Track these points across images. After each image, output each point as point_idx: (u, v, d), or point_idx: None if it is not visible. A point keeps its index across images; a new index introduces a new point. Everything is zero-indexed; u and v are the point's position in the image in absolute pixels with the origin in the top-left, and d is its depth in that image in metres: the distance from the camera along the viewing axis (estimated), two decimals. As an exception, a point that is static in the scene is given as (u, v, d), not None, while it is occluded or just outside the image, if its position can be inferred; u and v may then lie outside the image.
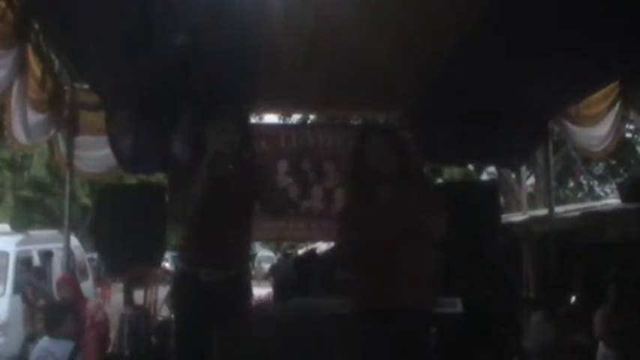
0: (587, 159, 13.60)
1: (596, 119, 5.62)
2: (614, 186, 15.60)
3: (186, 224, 3.47)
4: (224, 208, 3.30)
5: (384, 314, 3.11)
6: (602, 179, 18.01)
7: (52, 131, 5.58)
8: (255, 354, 3.43)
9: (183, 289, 3.44)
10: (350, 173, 3.50)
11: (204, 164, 3.27)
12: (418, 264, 3.21)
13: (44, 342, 4.48)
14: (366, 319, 3.19)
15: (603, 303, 5.72)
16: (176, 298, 3.58)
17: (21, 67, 4.11)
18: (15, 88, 4.28)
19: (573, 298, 7.57)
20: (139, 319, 5.79)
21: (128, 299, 6.05)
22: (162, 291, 6.52)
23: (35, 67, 4.51)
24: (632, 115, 6.05)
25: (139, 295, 6.23)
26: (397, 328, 3.09)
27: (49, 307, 5.41)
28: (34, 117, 4.82)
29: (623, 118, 5.46)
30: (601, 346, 5.47)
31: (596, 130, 5.66)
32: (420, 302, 3.18)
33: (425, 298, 3.23)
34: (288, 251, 13.27)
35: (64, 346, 4.37)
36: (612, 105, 5.33)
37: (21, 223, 17.20)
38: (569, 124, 6.15)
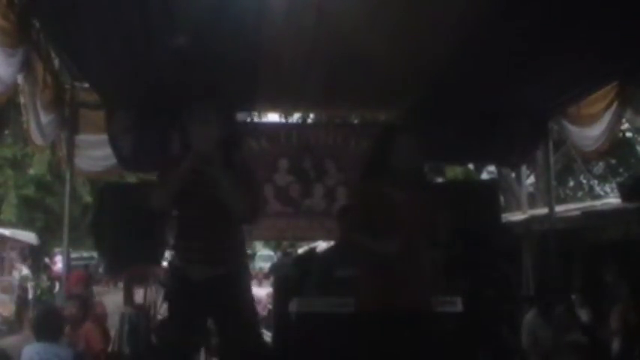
0: (588, 158, 13.59)
1: (592, 119, 5.63)
2: (614, 185, 15.58)
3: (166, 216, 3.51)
4: (210, 205, 3.28)
5: (395, 313, 3.13)
6: (603, 178, 17.98)
7: (59, 130, 5.61)
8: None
9: (174, 285, 3.45)
10: (368, 169, 3.48)
11: (186, 160, 3.28)
12: (427, 263, 3.28)
13: (39, 347, 4.29)
14: (376, 317, 3.19)
15: (618, 300, 5.71)
16: (167, 294, 3.60)
17: (25, 67, 4.12)
18: (26, 89, 4.31)
19: (573, 297, 7.57)
20: (139, 317, 5.79)
21: (128, 298, 6.05)
22: (162, 289, 6.52)
23: (39, 67, 4.54)
24: (629, 114, 6.04)
25: (139, 294, 6.22)
26: (408, 327, 3.13)
27: (43, 311, 5.30)
28: (45, 117, 4.87)
29: (618, 118, 5.46)
30: (616, 342, 5.46)
31: (591, 130, 5.67)
32: (428, 301, 3.23)
33: (431, 297, 3.29)
34: (288, 250, 13.22)
35: (66, 352, 4.32)
36: (609, 105, 5.33)
37: (24, 222, 17.17)
38: (567, 124, 6.16)
